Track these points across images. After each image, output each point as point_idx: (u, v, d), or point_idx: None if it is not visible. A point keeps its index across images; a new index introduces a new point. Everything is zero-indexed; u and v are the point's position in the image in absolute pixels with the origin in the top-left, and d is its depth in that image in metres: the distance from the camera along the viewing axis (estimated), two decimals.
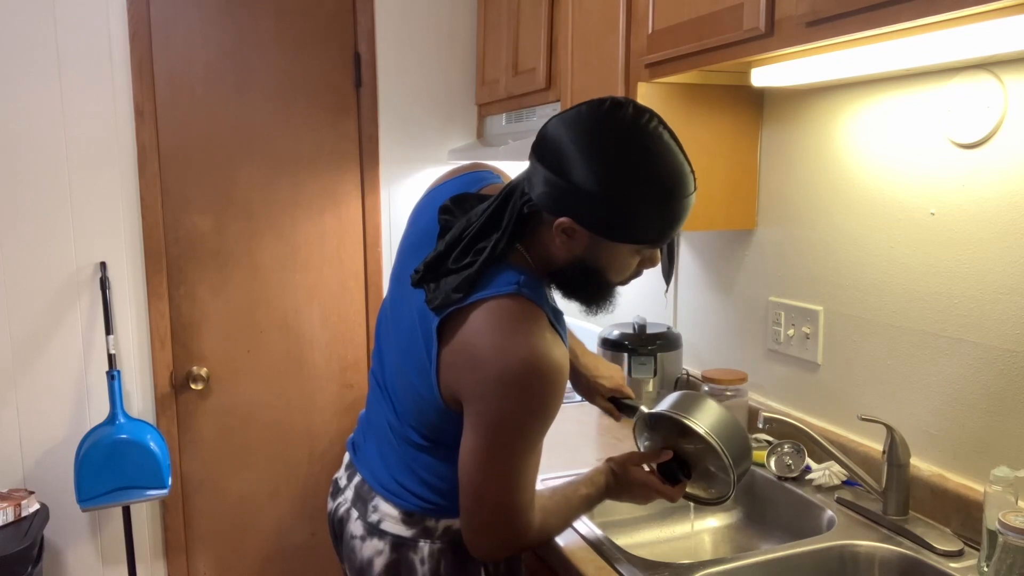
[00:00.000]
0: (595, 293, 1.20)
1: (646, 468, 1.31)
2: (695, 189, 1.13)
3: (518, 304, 1.11)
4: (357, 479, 1.34)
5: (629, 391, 1.49)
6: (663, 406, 1.30)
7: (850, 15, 1.11)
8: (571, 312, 1.29)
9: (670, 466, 1.30)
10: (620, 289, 1.23)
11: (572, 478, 1.29)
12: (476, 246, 1.16)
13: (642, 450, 1.36)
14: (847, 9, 1.11)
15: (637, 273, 1.21)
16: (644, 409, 1.35)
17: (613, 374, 1.50)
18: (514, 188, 1.17)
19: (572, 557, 1.32)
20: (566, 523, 1.25)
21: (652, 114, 1.10)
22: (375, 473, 1.30)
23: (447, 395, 1.16)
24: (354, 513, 1.31)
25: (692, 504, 1.67)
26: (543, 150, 1.12)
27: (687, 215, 1.13)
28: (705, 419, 1.25)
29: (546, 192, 1.11)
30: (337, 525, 1.37)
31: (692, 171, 1.12)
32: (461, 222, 1.19)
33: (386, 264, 2.72)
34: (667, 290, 1.35)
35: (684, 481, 1.30)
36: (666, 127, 1.11)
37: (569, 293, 1.21)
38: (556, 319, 1.17)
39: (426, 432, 1.23)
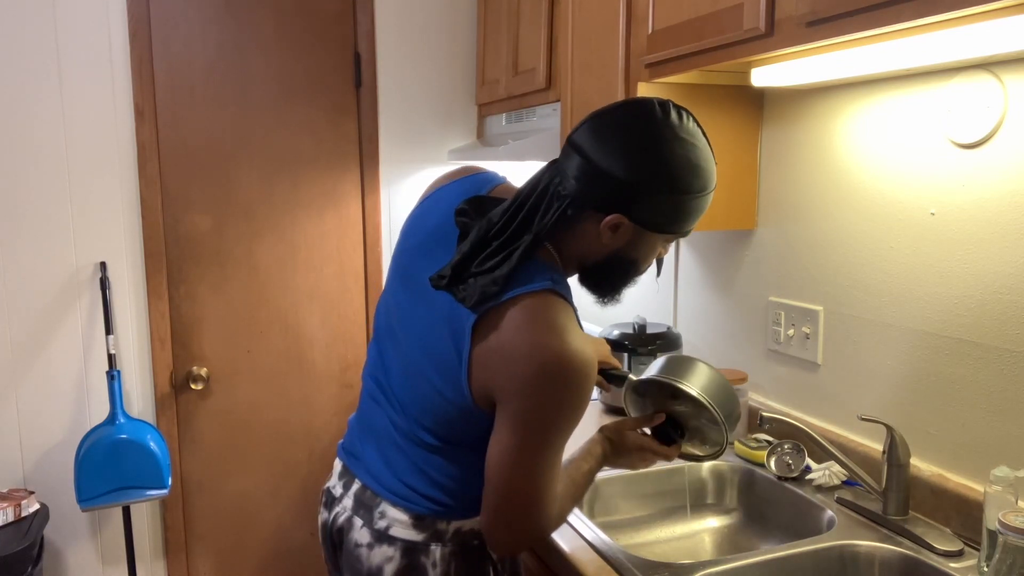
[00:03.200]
0: (621, 283, 1.26)
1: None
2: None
3: (553, 301, 1.14)
4: (356, 486, 1.31)
5: (615, 361, 1.50)
6: (651, 372, 1.33)
7: (850, 15, 1.11)
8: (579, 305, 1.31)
9: (664, 428, 1.32)
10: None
11: (569, 455, 1.28)
12: (506, 247, 1.17)
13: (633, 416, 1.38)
14: (847, 9, 1.11)
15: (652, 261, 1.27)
16: (632, 377, 1.37)
17: (598, 347, 1.51)
18: (544, 187, 1.19)
19: (572, 557, 1.32)
20: (575, 503, 1.25)
21: (689, 112, 1.20)
22: (379, 478, 1.27)
23: (479, 395, 1.15)
24: (357, 521, 1.27)
25: (689, 504, 1.68)
26: (593, 147, 1.16)
27: (703, 211, 1.22)
28: (695, 380, 1.28)
29: (595, 190, 1.16)
30: (336, 535, 1.33)
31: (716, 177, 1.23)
32: (482, 224, 1.20)
33: (386, 264, 2.71)
34: (658, 275, 1.39)
35: (679, 441, 1.33)
36: (699, 123, 1.20)
37: (596, 285, 1.26)
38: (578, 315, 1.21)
39: (442, 433, 1.22)
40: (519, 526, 1.15)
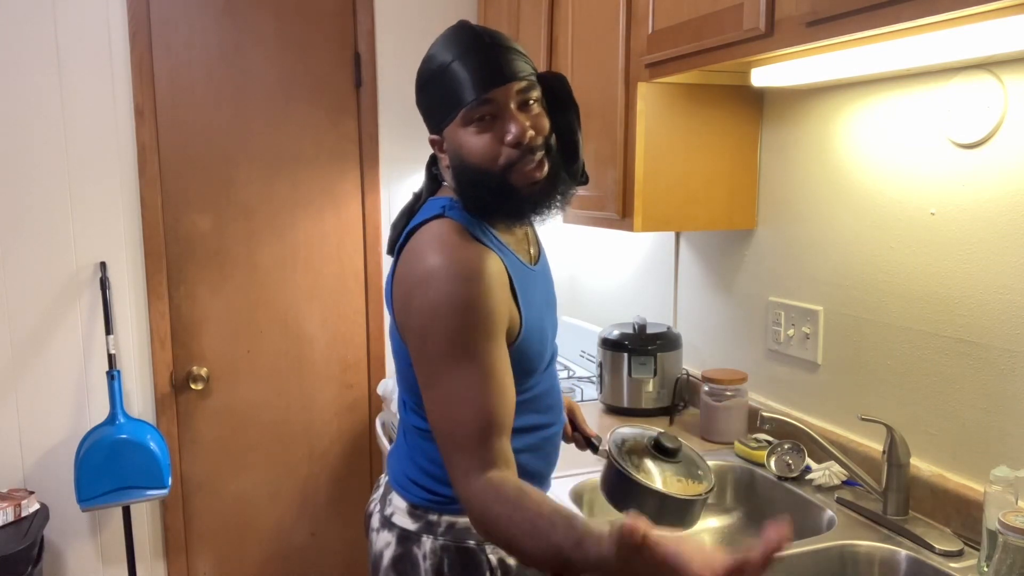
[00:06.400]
0: (478, 189, 1.17)
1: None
2: (492, 41, 1.15)
3: (442, 223, 1.17)
4: (385, 476, 1.39)
5: (587, 429, 1.44)
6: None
7: (850, 15, 1.11)
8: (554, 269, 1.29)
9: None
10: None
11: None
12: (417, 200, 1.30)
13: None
14: (847, 9, 1.11)
15: (504, 150, 1.14)
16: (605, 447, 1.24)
17: (571, 407, 1.48)
18: None
19: None
20: (512, 521, 0.99)
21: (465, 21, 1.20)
22: (391, 468, 1.34)
23: (403, 333, 1.18)
24: (377, 507, 1.34)
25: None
26: None
27: (480, 69, 1.13)
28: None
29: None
30: (366, 521, 1.40)
31: (488, 35, 1.16)
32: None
33: (386, 264, 2.71)
34: (542, 172, 1.17)
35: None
36: (474, 25, 1.18)
37: (472, 204, 1.19)
38: (494, 246, 1.18)
39: (416, 406, 1.24)
40: (458, 456, 1.06)
